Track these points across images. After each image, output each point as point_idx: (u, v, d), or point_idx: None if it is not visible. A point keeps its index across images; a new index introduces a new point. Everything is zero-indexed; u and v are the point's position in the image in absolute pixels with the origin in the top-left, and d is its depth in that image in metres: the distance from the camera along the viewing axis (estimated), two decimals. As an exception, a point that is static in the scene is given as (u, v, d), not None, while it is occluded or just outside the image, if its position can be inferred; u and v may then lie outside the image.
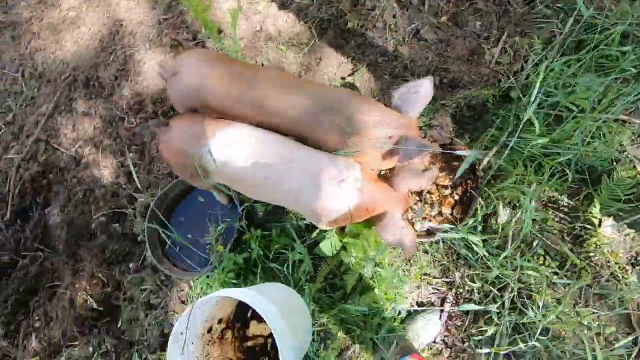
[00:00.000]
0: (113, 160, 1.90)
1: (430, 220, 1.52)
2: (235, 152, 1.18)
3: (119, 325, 1.67)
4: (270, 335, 1.42)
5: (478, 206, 1.41)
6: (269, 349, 1.43)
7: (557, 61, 1.47)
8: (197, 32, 2.01)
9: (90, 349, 1.61)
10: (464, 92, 1.66)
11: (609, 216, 1.41)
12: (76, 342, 1.63)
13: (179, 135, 1.21)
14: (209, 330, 1.28)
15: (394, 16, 1.89)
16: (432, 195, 1.53)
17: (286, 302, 1.22)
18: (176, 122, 1.23)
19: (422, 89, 1.26)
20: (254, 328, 1.46)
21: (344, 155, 1.24)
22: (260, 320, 1.44)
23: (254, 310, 1.22)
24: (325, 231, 1.52)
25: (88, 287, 1.69)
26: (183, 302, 1.63)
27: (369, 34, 1.90)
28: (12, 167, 1.98)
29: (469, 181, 1.51)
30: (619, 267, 1.37)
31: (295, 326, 1.12)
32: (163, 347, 1.58)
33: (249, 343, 1.44)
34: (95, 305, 1.67)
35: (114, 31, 2.11)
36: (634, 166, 1.42)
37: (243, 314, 1.45)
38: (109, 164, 1.90)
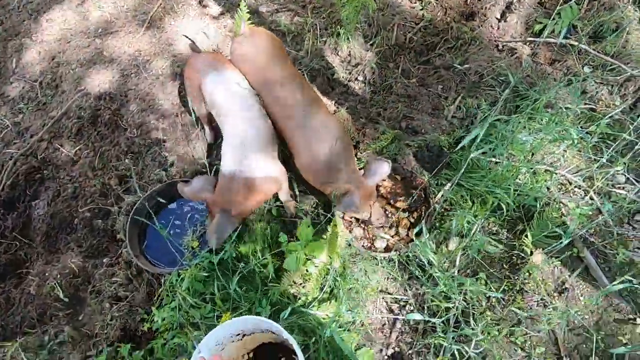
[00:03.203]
0: (108, 163, 2.07)
1: (387, 240, 1.70)
2: (219, 87, 1.68)
3: (80, 318, 1.69)
4: None
5: (425, 227, 1.60)
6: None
7: (497, 120, 1.81)
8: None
9: (46, 337, 1.60)
10: (425, 137, 1.97)
11: (539, 248, 1.62)
12: (33, 330, 1.63)
13: (200, 60, 1.75)
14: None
15: (373, 73, 2.27)
16: (392, 217, 1.74)
17: None
18: (204, 53, 1.83)
19: (385, 166, 1.59)
20: None
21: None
22: None
23: None
24: (294, 250, 1.67)
25: (58, 276, 1.73)
26: (150, 298, 1.69)
27: (351, 85, 2.26)
28: (10, 161, 2.11)
29: (423, 207, 1.74)
30: (548, 294, 1.55)
31: None
32: (121, 339, 1.59)
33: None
34: (61, 295, 1.70)
35: (132, 59, 2.42)
36: (559, 208, 1.68)
37: None
38: (104, 167, 2.06)
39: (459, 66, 2.21)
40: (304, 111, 1.63)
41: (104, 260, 1.80)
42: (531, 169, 1.67)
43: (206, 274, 1.61)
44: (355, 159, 1.73)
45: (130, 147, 2.11)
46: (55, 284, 1.72)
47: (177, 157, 2.07)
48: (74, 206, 1.95)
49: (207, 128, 2.05)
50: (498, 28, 2.40)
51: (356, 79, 2.29)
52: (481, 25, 2.41)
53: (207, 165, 1.92)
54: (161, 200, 1.75)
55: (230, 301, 1.55)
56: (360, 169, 1.70)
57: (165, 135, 2.15)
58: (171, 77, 2.33)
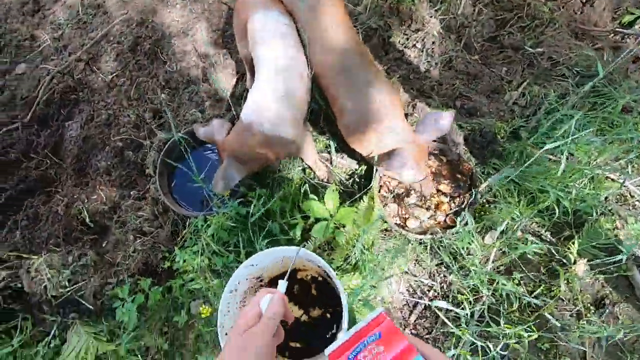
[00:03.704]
0: (144, 95, 2.00)
1: (422, 221, 1.62)
2: (263, 30, 1.54)
3: (104, 245, 1.70)
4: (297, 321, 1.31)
5: (469, 215, 1.51)
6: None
7: (566, 115, 1.65)
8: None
9: (70, 258, 1.62)
10: (480, 120, 1.82)
11: (584, 258, 1.52)
12: (58, 249, 1.65)
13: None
14: (260, 278, 1.25)
15: (433, 43, 2.09)
16: (432, 199, 1.64)
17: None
18: None
19: (442, 121, 1.42)
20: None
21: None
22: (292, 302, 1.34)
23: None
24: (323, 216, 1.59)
25: (86, 200, 1.72)
26: (174, 237, 1.67)
27: (407, 52, 2.09)
28: (47, 77, 2.06)
29: (467, 195, 1.63)
30: (584, 306, 1.47)
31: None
32: (142, 273, 1.60)
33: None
34: (87, 220, 1.70)
35: (179, -13, 2.28)
36: (614, 220, 1.56)
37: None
38: (139, 98, 2.00)
39: (530, 49, 2.00)
40: (354, 67, 1.48)
41: (132, 193, 1.78)
42: (597, 173, 1.52)
43: (233, 224, 1.57)
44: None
45: (168, 81, 2.02)
46: (82, 207, 1.72)
47: (215, 99, 1.99)
48: (106, 133, 1.91)
49: (249, 73, 1.93)
50: (581, 12, 2.14)
51: (414, 45, 2.11)
52: (562, 7, 2.16)
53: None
54: (193, 142, 1.69)
55: (255, 255, 1.52)
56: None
57: (205, 75, 2.05)
58: (217, 14, 2.19)
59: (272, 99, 1.48)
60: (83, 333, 1.49)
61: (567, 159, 1.62)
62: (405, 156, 1.33)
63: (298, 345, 1.22)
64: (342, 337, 0.61)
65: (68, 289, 1.56)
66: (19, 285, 1.55)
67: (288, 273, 0.80)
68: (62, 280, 1.55)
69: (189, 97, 2.00)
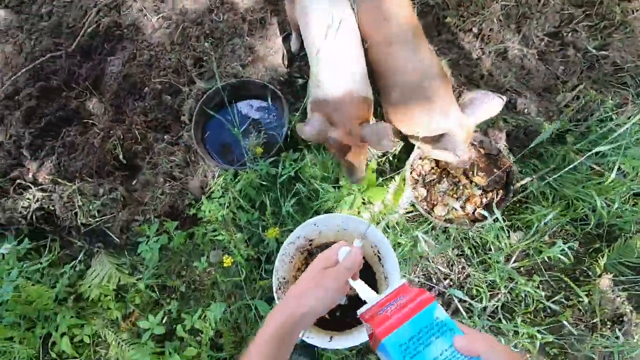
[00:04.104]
0: (188, 41, 1.97)
1: (450, 209, 1.60)
2: None
3: (134, 183, 1.74)
4: None
5: (499, 211, 1.48)
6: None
7: (619, 125, 1.57)
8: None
9: (101, 190, 1.66)
10: (527, 118, 1.75)
11: (610, 273, 1.49)
12: (90, 179, 1.69)
13: None
14: (311, 241, 1.30)
15: (490, 30, 1.98)
16: (464, 191, 1.61)
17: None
18: None
19: (492, 103, 1.34)
20: None
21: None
22: None
23: None
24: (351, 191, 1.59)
25: (121, 137, 1.75)
26: (201, 187, 1.70)
27: (461, 35, 1.99)
28: (94, 8, 2.04)
29: (500, 191, 1.60)
30: (601, 320, 1.45)
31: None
32: (168, 215, 1.64)
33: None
34: (121, 156, 1.73)
35: None
36: (650, 240, 1.51)
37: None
38: (182, 43, 1.97)
39: (593, 50, 1.88)
40: (406, 42, 1.40)
41: (165, 137, 1.79)
42: (637, 187, 1.47)
43: (262, 182, 1.58)
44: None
45: (213, 31, 1.99)
46: (117, 143, 1.74)
47: (257, 56, 1.95)
48: (147, 74, 1.91)
49: (294, 34, 1.88)
50: (657, 19, 1.99)
51: (470, 29, 2.01)
52: (637, 10, 2.01)
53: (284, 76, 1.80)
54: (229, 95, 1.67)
55: (280, 217, 1.54)
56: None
57: (251, 30, 2.00)
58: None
59: (353, 66, 1.40)
60: (107, 263, 1.55)
61: (613, 170, 1.56)
62: (456, 140, 1.29)
63: (327, 317, 1.26)
64: (371, 301, 0.65)
65: (97, 219, 1.61)
66: (52, 208, 1.61)
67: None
68: (92, 210, 1.60)
69: (231, 49, 1.96)
